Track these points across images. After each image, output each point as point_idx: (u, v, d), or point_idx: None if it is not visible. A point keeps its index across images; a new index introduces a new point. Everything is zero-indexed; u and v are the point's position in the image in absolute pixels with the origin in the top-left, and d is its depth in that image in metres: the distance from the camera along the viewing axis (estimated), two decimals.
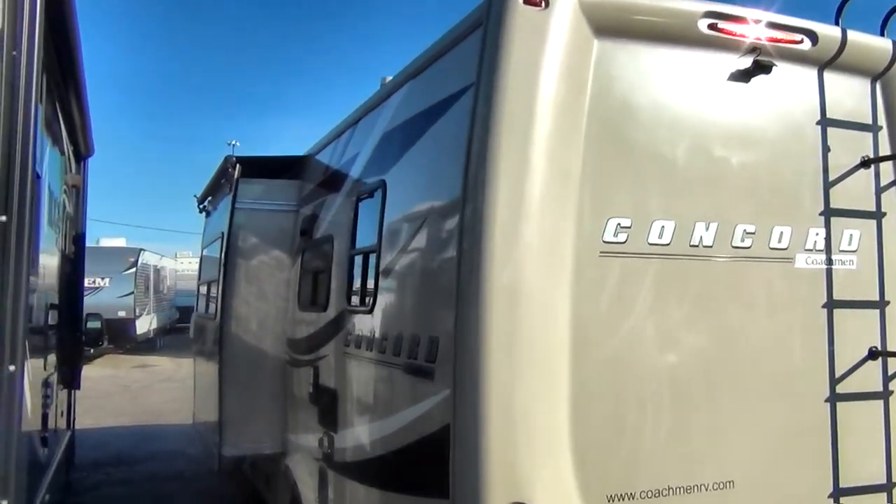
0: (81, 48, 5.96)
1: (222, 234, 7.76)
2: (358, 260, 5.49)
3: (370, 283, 5.09)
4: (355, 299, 5.41)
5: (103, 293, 26.42)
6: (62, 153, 6.92)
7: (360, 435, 5.10)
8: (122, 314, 26.91)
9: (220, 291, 7.49)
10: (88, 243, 33.34)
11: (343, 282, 5.76)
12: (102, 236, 34.84)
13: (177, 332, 35.57)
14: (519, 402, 3.57)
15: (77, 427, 14.38)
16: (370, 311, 4.96)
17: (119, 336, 26.64)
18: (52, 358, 6.40)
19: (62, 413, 7.34)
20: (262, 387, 7.44)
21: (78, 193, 8.24)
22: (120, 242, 33.31)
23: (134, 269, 27.89)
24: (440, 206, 4.12)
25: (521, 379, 3.58)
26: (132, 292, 27.41)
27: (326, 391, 5.93)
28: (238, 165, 7.29)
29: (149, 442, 14.11)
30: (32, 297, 4.95)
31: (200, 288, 10.34)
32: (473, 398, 3.51)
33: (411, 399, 4.22)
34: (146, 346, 30.70)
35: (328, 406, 5.80)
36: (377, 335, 4.82)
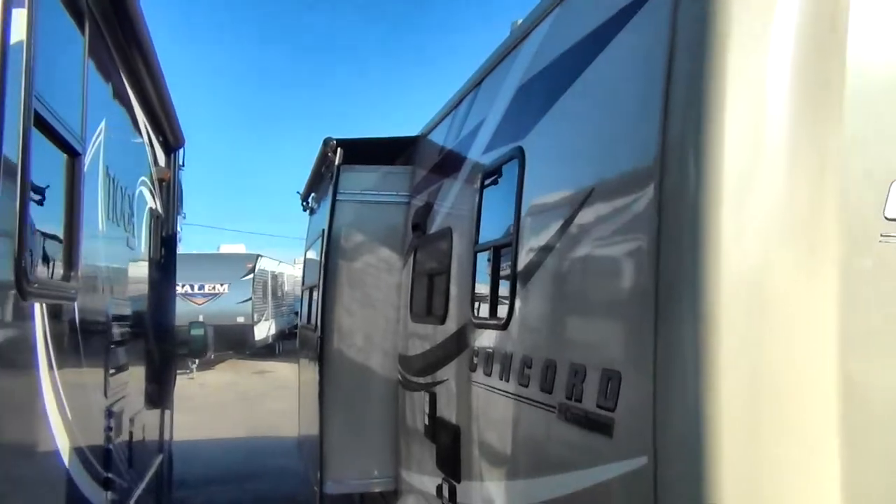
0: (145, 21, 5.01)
1: (322, 231, 6.65)
2: (484, 258, 4.19)
3: (503, 289, 3.78)
4: (482, 310, 4.11)
5: (222, 299, 26.51)
6: (144, 144, 6.00)
7: (491, 494, 3.78)
8: (240, 320, 26.93)
9: (319, 299, 6.37)
10: (208, 250, 33.61)
11: (465, 287, 4.47)
12: (223, 243, 35.37)
13: (296, 337, 35.65)
14: (768, 486, 2.14)
15: (190, 439, 14.04)
16: (504, 327, 3.64)
17: (238, 342, 26.68)
18: (132, 376, 5.46)
19: (149, 437, 6.44)
20: (370, 411, 6.27)
21: (169, 188, 7.38)
22: (239, 249, 33.66)
23: (252, 276, 27.89)
24: (617, 175, 2.76)
25: (769, 445, 2.15)
26: (250, 298, 27.38)
27: (446, 426, 4.65)
28: (339, 149, 6.14)
29: (260, 457, 13.45)
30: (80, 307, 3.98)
31: (303, 294, 9.35)
32: (693, 478, 2.11)
33: (572, 460, 2.87)
34: (265, 351, 30.76)
35: (448, 446, 4.52)
36: (516, 361, 3.49)
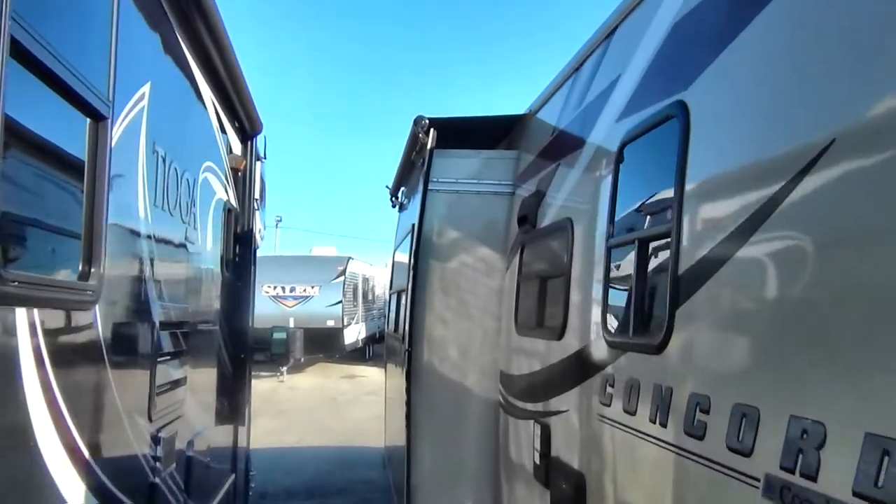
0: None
1: (412, 227, 5.74)
2: (622, 256, 3.16)
3: (656, 297, 2.74)
4: (621, 325, 3.08)
5: (312, 302, 26.24)
6: (212, 125, 5.27)
7: None
8: (330, 323, 26.62)
9: (408, 305, 5.47)
10: (299, 252, 33.84)
11: (593, 293, 3.46)
12: (315, 245, 35.34)
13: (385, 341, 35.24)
14: None
15: (276, 446, 13.56)
16: (658, 350, 2.61)
17: (328, 345, 26.42)
18: (192, 391, 4.71)
19: (216, 457, 5.70)
20: (465, 437, 5.34)
21: (245, 180, 6.66)
22: (331, 251, 33.55)
23: (342, 278, 27.55)
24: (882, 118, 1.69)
25: None
26: (340, 301, 27.03)
27: (564, 471, 3.64)
28: (432, 130, 5.22)
29: (346, 469, 12.79)
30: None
31: (390, 299, 8.49)
32: None
33: None
34: (355, 355, 30.46)
35: (568, 497, 3.51)
36: (679, 399, 2.46)
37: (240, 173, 6.50)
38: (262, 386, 21.17)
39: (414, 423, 5.31)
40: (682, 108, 2.64)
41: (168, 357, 4.09)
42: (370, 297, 34.56)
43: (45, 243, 2.58)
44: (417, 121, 5.30)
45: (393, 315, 7.81)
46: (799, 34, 2.14)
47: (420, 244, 5.37)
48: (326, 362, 28.62)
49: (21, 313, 2.17)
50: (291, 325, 25.50)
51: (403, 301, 6.16)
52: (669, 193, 2.64)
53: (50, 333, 2.38)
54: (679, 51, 2.82)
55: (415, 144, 5.64)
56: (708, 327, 2.40)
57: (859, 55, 1.82)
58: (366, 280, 32.99)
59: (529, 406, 4.42)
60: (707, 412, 2.28)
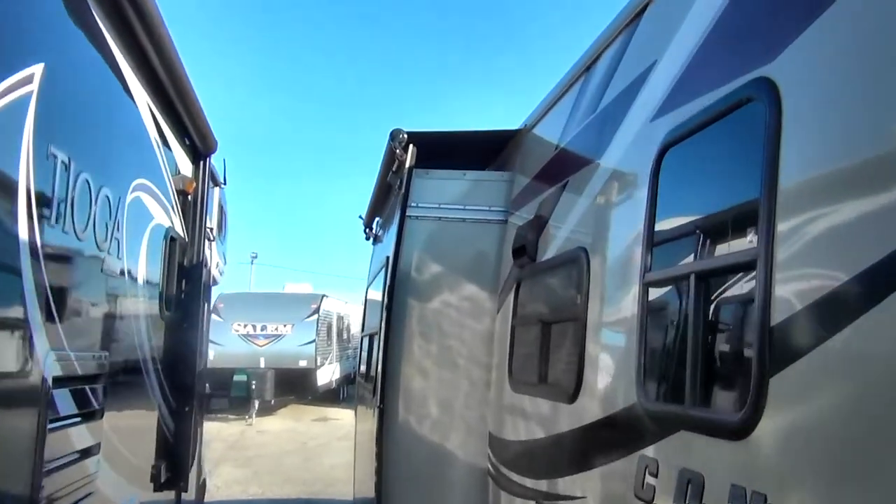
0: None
1: (387, 259, 4.90)
2: (665, 295, 2.34)
3: (734, 357, 1.92)
4: (672, 391, 2.24)
5: (284, 341, 25.21)
6: (147, 134, 4.42)
7: None
8: (303, 363, 25.60)
9: (380, 351, 4.60)
10: (273, 289, 33.07)
11: (622, 345, 2.62)
12: (288, 282, 34.34)
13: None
14: None
15: (240, 498, 12.57)
16: (741, 435, 1.77)
17: (300, 386, 25.43)
18: (122, 455, 3.80)
19: None
20: None
21: (196, 203, 5.81)
22: (306, 288, 32.63)
23: (316, 316, 26.61)
24: None
25: None
26: (314, 340, 26.05)
27: None
28: (411, 146, 4.42)
29: None
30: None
31: (362, 342, 7.59)
32: None
33: None
34: (328, 396, 29.43)
35: None
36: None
37: (189, 197, 5.64)
38: (228, 430, 20.07)
39: (385, 494, 4.41)
40: (767, 87, 1.84)
41: (70, 421, 3.18)
42: (345, 336, 33.62)
43: None
44: (394, 135, 4.50)
45: (364, 360, 6.91)
46: None
47: (395, 280, 4.54)
48: (298, 404, 27.66)
49: None
50: (262, 365, 24.49)
51: (376, 346, 5.29)
52: (751, 207, 1.83)
53: None
54: (756, 11, 2.04)
55: (391, 163, 4.83)
56: (831, 405, 1.57)
57: None
58: (341, 318, 32.10)
59: (528, 482, 3.56)
60: None
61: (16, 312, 2.61)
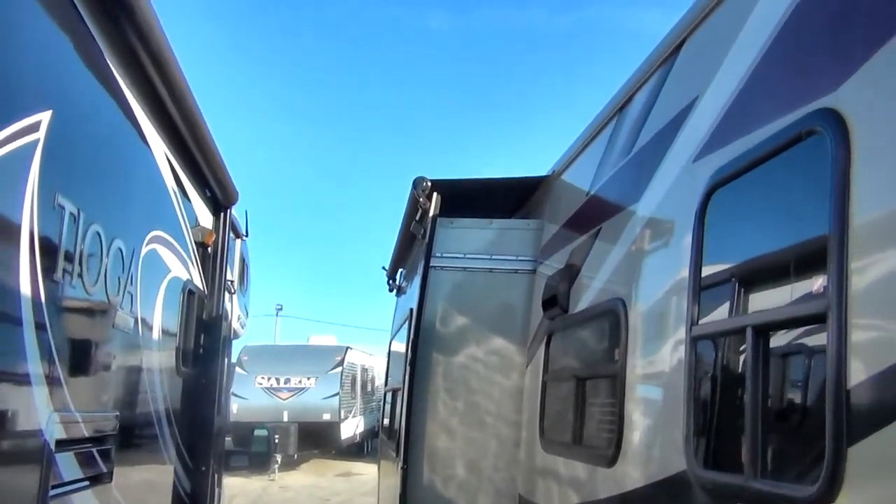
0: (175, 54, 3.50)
1: (410, 311, 4.71)
2: (719, 351, 2.12)
3: (802, 423, 1.69)
4: (728, 459, 2.01)
5: (308, 394, 24.94)
6: (165, 184, 4.32)
7: None
8: (326, 416, 25.28)
9: (403, 408, 4.39)
10: (297, 341, 32.93)
11: (667, 405, 2.40)
12: (312, 333, 34.21)
13: None
14: None
15: None
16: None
17: (323, 440, 25.06)
18: None
19: None
20: None
21: (216, 255, 5.69)
22: (331, 340, 32.52)
23: (340, 369, 26.37)
24: None
25: None
26: (337, 393, 25.75)
27: None
28: (435, 194, 4.27)
29: None
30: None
31: (385, 396, 7.35)
32: None
33: None
34: (353, 450, 29.00)
35: None
36: None
37: (209, 249, 5.52)
38: (251, 485, 19.73)
39: None
40: (832, 118, 1.66)
41: (75, 486, 2.99)
42: (369, 388, 33.31)
43: None
44: (417, 183, 4.36)
45: (388, 416, 6.66)
46: None
47: (419, 333, 4.35)
48: (322, 458, 27.23)
49: None
50: (285, 418, 24.20)
51: (399, 402, 5.06)
52: (818, 251, 1.62)
53: None
54: (813, 39, 1.86)
55: (415, 212, 4.68)
56: None
57: None
58: (365, 371, 31.83)
59: None
60: None
61: (14, 370, 2.45)
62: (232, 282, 6.50)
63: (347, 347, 27.99)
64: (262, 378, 24.29)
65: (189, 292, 4.97)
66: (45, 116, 2.54)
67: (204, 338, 5.52)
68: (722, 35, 2.38)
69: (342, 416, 26.34)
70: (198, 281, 5.27)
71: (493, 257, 4.54)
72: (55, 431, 2.75)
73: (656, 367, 2.55)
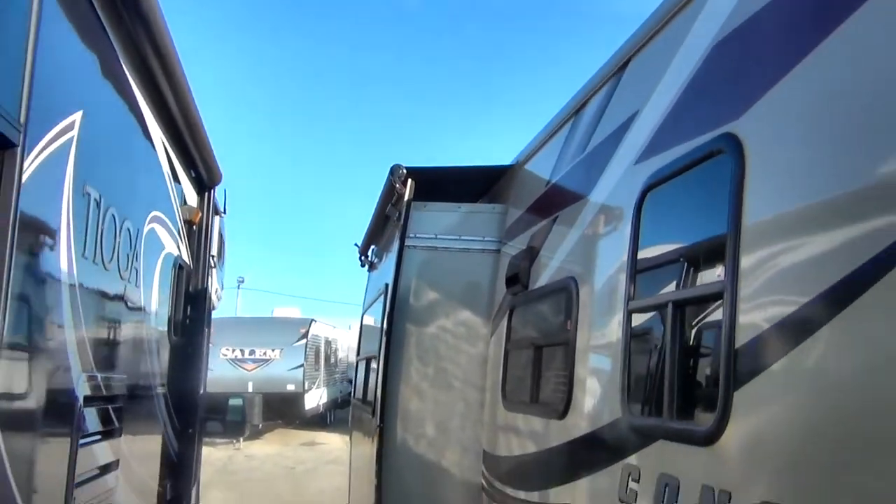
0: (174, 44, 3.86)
1: (385, 286, 5.17)
2: (648, 321, 2.62)
3: (704, 376, 2.21)
4: (653, 407, 2.53)
5: (273, 366, 25.22)
6: (162, 170, 4.69)
7: None
8: (291, 388, 25.60)
9: (380, 374, 4.86)
10: (259, 314, 32.87)
11: (608, 366, 2.91)
12: (277, 306, 34.34)
13: (349, 405, 34.14)
14: None
15: None
16: (709, 442, 2.06)
17: (288, 411, 25.37)
18: (136, 472, 4.02)
19: None
20: None
21: (200, 234, 6.05)
22: (294, 313, 32.68)
23: (305, 341, 26.67)
24: None
25: None
26: (302, 365, 26.08)
27: None
28: (410, 181, 4.71)
29: None
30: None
31: (358, 365, 7.82)
32: None
33: None
34: (316, 420, 29.34)
35: None
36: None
37: (194, 227, 5.90)
38: (216, 454, 20.01)
39: None
40: (733, 142, 2.15)
41: (95, 438, 3.42)
42: (333, 360, 33.62)
43: None
44: (394, 170, 4.80)
45: (361, 383, 7.14)
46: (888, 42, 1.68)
47: (395, 306, 4.81)
48: (286, 428, 27.49)
49: None
50: (250, 389, 24.42)
51: (374, 369, 5.54)
52: (720, 245, 2.12)
53: None
54: (724, 74, 2.35)
55: (390, 196, 5.13)
56: (782, 415, 1.86)
57: None
58: (329, 343, 32.11)
59: (522, 495, 3.81)
60: None
61: (57, 337, 2.86)
62: (213, 257, 6.86)
63: (312, 320, 28.15)
64: (227, 349, 24.45)
65: (179, 267, 5.36)
66: (77, 116, 2.92)
67: (190, 309, 5.91)
68: (659, 61, 2.86)
69: (306, 388, 26.62)
70: (185, 256, 5.65)
71: (462, 238, 5.00)
72: (84, 390, 3.17)
73: (600, 335, 3.06)
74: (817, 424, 1.76)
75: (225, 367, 24.25)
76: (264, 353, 25.77)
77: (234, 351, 24.97)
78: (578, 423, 3.15)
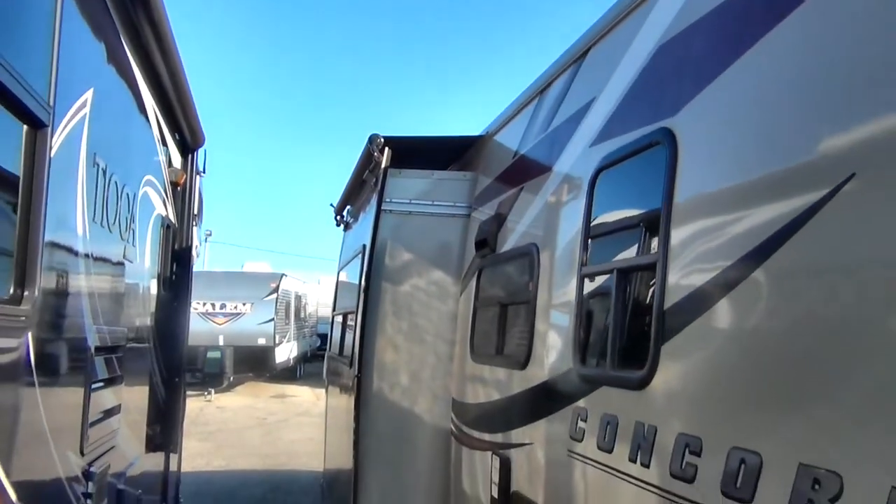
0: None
1: (363, 247, 5.54)
2: (597, 285, 3.04)
3: (639, 332, 2.64)
4: (597, 357, 2.96)
5: (243, 320, 25.50)
6: (153, 137, 4.96)
7: None
8: (261, 341, 25.94)
9: (357, 328, 5.25)
10: (232, 268, 32.86)
11: (564, 323, 3.33)
12: (247, 261, 34.48)
13: (318, 359, 34.65)
14: None
15: (204, 470, 13.02)
16: (641, 386, 2.49)
17: (258, 364, 25.73)
18: (125, 420, 4.38)
19: (148, 489, 5.33)
20: (414, 468, 5.15)
21: (185, 195, 6.34)
22: (264, 267, 32.84)
23: (275, 295, 26.94)
24: None
25: None
26: (272, 319, 26.40)
27: None
28: (387, 149, 5.05)
29: (278, 494, 12.35)
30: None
31: (335, 319, 8.22)
32: None
33: None
34: (286, 374, 29.77)
35: None
36: (665, 439, 2.35)
37: (179, 188, 6.18)
38: (188, 406, 20.28)
39: (362, 451, 5.09)
40: (669, 135, 2.55)
41: (102, 385, 3.78)
42: (302, 314, 33.94)
43: None
44: (373, 139, 5.13)
45: (337, 337, 7.55)
46: (796, 62, 2.08)
47: (372, 265, 5.18)
48: (256, 381, 27.88)
49: None
50: (221, 342, 24.71)
51: (352, 324, 5.94)
52: (655, 222, 2.54)
53: None
54: (664, 75, 2.74)
55: (368, 163, 5.46)
56: (700, 364, 2.30)
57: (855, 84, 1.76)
58: (299, 297, 32.38)
59: (486, 437, 4.27)
60: (698, 454, 2.17)
61: (76, 293, 3.19)
62: (195, 216, 7.15)
63: (282, 275, 28.34)
64: (198, 303, 24.63)
65: (167, 227, 5.66)
66: (89, 94, 3.21)
67: (176, 266, 6.22)
68: (614, 56, 3.22)
69: (276, 342, 26.96)
70: (172, 216, 5.94)
71: (434, 203, 5.36)
72: (94, 340, 3.51)
73: (557, 296, 3.48)
74: (724, 372, 2.20)
75: (196, 321, 24.39)
76: (235, 307, 25.99)
77: (204, 305, 25.15)
78: (537, 373, 3.58)
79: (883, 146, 1.70)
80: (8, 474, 2.35)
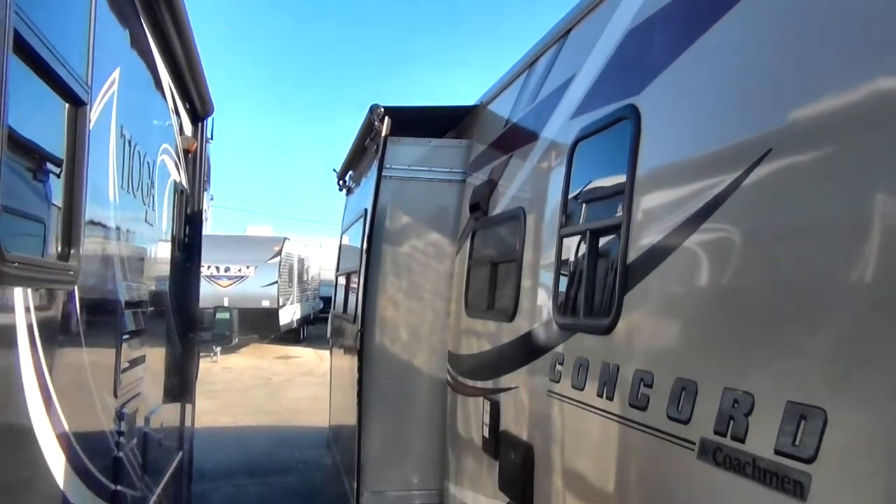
0: None
1: (365, 211, 5.91)
2: (574, 244, 3.41)
3: (606, 285, 3.01)
4: (572, 308, 3.35)
5: (247, 282, 25.97)
6: (168, 108, 5.30)
7: None
8: (265, 304, 26.42)
9: (360, 287, 5.65)
10: (236, 232, 33.10)
11: (545, 279, 3.71)
12: (250, 224, 34.85)
13: (321, 321, 35.20)
14: None
15: (212, 426, 13.50)
16: (607, 331, 2.88)
17: (262, 326, 26.20)
18: (149, 369, 4.79)
19: (167, 434, 5.78)
20: (414, 415, 5.57)
21: (195, 161, 6.68)
22: (267, 231, 33.21)
23: (278, 258, 27.35)
24: (821, 125, 1.97)
25: None
26: (276, 281, 26.86)
27: (514, 444, 3.92)
28: (387, 118, 5.38)
29: (285, 448, 12.87)
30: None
31: (338, 281, 8.62)
32: None
33: None
34: (290, 336, 30.29)
35: (517, 467, 3.79)
36: (625, 375, 2.75)
37: (190, 155, 6.52)
38: None
39: (365, 402, 5.50)
40: (634, 111, 2.90)
41: (130, 336, 4.17)
42: (305, 277, 34.37)
43: (29, 226, 2.67)
44: (373, 109, 5.46)
45: (341, 297, 7.96)
46: (743, 49, 2.42)
47: (373, 228, 5.54)
48: (260, 343, 28.39)
49: (16, 293, 2.28)
50: (226, 304, 25.13)
51: (354, 283, 6.34)
52: (620, 188, 2.90)
53: (38, 312, 2.49)
54: (632, 57, 3.07)
55: (369, 131, 5.80)
56: (653, 311, 2.68)
57: (797, 69, 2.11)
58: (301, 261, 32.78)
59: (479, 384, 4.68)
60: (650, 386, 2.56)
61: (106, 254, 3.56)
62: (205, 181, 7.50)
63: (285, 238, 28.69)
64: (203, 266, 25.02)
65: (181, 192, 6.02)
66: (117, 73, 3.54)
67: (188, 229, 6.59)
68: (591, 36, 3.55)
69: (280, 304, 27.42)
70: (184, 182, 6.30)
71: (432, 169, 5.71)
72: (124, 295, 3.90)
73: (540, 255, 3.85)
74: (673, 316, 2.58)
75: (201, 284, 24.75)
76: (239, 270, 26.40)
77: (209, 268, 25.55)
78: (522, 324, 3.97)
79: (797, 128, 2.06)
80: (64, 413, 2.74)
